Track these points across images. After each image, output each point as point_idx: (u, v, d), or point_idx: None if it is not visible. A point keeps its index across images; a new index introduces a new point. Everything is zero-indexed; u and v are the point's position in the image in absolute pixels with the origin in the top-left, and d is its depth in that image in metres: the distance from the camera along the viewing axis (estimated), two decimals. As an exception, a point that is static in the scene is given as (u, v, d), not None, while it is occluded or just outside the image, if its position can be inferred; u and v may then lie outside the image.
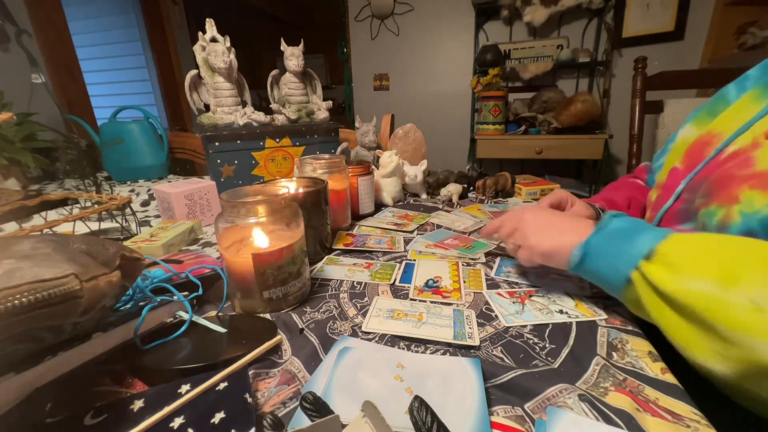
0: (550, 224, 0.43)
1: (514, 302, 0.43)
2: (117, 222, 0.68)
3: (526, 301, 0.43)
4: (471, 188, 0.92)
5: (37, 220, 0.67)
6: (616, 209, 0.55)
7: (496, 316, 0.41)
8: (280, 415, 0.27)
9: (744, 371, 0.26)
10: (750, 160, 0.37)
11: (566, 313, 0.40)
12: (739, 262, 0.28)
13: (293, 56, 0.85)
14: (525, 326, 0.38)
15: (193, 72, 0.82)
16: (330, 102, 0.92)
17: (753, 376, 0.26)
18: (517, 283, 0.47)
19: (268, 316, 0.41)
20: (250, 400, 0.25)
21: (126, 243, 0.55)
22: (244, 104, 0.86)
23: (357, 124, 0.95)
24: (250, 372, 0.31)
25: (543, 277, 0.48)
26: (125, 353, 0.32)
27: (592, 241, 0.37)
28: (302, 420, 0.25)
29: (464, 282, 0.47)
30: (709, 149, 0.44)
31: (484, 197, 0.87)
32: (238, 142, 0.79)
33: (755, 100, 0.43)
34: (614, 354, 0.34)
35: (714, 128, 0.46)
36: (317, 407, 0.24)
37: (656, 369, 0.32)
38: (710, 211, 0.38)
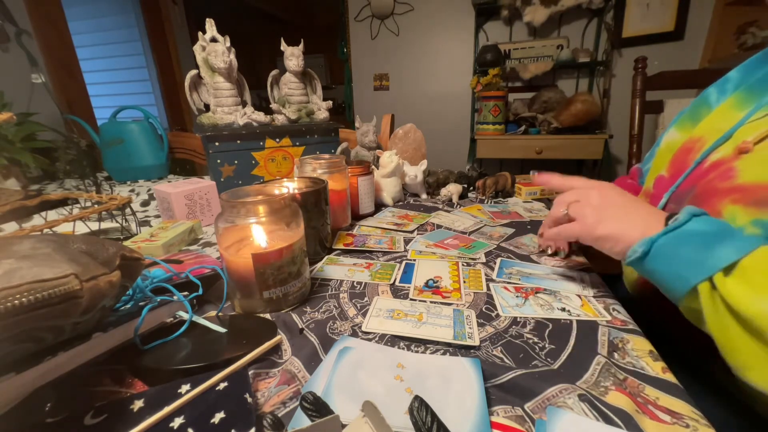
0: (618, 207, 0.38)
1: (517, 296, 0.44)
2: (117, 222, 0.68)
3: (530, 296, 0.44)
4: (471, 188, 0.92)
5: (37, 220, 0.67)
6: None
7: (496, 307, 0.42)
8: (280, 415, 0.27)
9: None
10: (731, 171, 0.36)
11: (568, 311, 0.40)
12: None
13: (293, 56, 0.85)
14: (525, 326, 0.38)
15: (193, 72, 0.82)
16: (330, 102, 0.92)
17: None
18: (518, 284, 0.47)
19: (268, 316, 0.41)
20: (250, 400, 0.25)
21: (126, 243, 0.55)
22: (244, 104, 0.86)
23: (357, 124, 0.95)
24: (250, 372, 0.31)
25: (544, 279, 0.48)
26: (125, 353, 0.32)
27: (660, 241, 0.33)
28: (302, 420, 0.25)
29: (464, 282, 0.47)
30: (691, 157, 0.44)
31: (484, 197, 0.87)
32: (238, 142, 0.79)
33: (737, 105, 0.42)
34: (615, 353, 0.34)
35: (696, 134, 0.46)
36: (317, 407, 0.24)
37: (657, 368, 0.32)
38: None
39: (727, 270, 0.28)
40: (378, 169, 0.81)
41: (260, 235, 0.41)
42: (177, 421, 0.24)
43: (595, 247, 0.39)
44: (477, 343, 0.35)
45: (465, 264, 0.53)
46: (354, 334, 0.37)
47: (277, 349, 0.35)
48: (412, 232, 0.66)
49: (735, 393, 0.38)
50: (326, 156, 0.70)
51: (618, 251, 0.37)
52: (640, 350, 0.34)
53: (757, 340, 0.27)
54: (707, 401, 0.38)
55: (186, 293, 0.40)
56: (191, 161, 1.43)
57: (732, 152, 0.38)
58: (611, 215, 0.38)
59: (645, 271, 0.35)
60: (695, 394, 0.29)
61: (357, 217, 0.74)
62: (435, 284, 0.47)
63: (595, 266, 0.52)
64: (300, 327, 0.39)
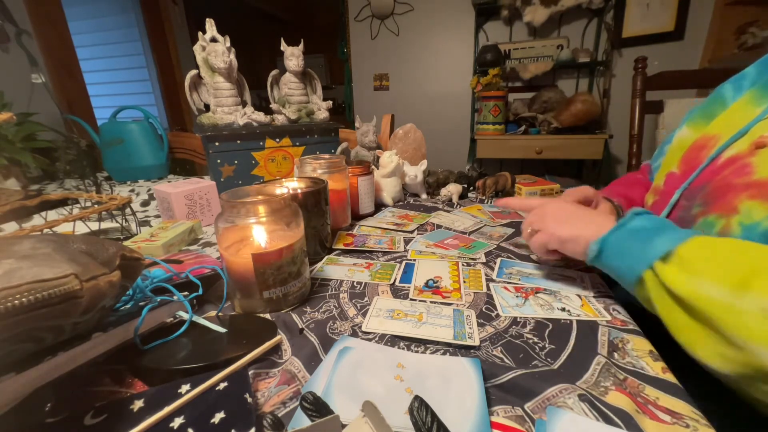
0: (573, 215, 0.44)
1: (517, 296, 0.44)
2: (117, 222, 0.68)
3: (530, 296, 0.44)
4: (471, 188, 0.92)
5: (37, 220, 0.67)
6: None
7: (496, 307, 0.42)
8: (280, 415, 0.27)
9: (744, 373, 0.28)
10: (748, 167, 0.36)
11: (568, 311, 0.40)
12: (755, 269, 0.28)
13: (293, 56, 0.85)
14: (525, 326, 0.38)
15: (193, 72, 0.82)
16: (330, 102, 0.92)
17: (751, 378, 0.28)
18: (518, 284, 0.47)
19: (268, 316, 0.41)
20: (250, 400, 0.25)
21: (126, 243, 0.55)
22: (244, 104, 0.86)
23: (357, 124, 0.95)
24: (250, 372, 0.31)
25: (543, 279, 0.48)
26: (125, 353, 0.32)
27: (610, 238, 0.37)
28: (302, 420, 0.25)
29: (464, 282, 0.47)
30: (705, 153, 0.43)
31: (484, 197, 0.87)
32: (238, 142, 0.79)
33: (753, 101, 0.42)
34: (615, 354, 0.34)
35: (710, 131, 0.45)
36: (317, 407, 0.24)
37: (657, 368, 0.32)
38: (709, 221, 0.37)
39: (665, 258, 0.32)
40: (378, 169, 0.81)
41: (260, 235, 0.41)
42: (177, 421, 0.24)
43: (563, 252, 0.43)
44: (477, 343, 0.35)
45: (465, 264, 0.53)
46: (354, 334, 0.37)
47: (277, 349, 0.35)
48: (412, 232, 0.66)
49: (737, 392, 0.38)
50: (326, 156, 0.70)
51: (580, 251, 0.41)
52: (640, 350, 0.34)
53: (695, 319, 0.30)
54: (708, 401, 0.39)
55: (186, 293, 0.40)
56: (191, 161, 1.43)
57: (748, 148, 0.37)
58: (568, 221, 0.43)
59: (603, 267, 0.39)
60: (696, 394, 0.29)
61: (357, 217, 0.74)
62: (435, 284, 0.47)
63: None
64: (300, 327, 0.39)
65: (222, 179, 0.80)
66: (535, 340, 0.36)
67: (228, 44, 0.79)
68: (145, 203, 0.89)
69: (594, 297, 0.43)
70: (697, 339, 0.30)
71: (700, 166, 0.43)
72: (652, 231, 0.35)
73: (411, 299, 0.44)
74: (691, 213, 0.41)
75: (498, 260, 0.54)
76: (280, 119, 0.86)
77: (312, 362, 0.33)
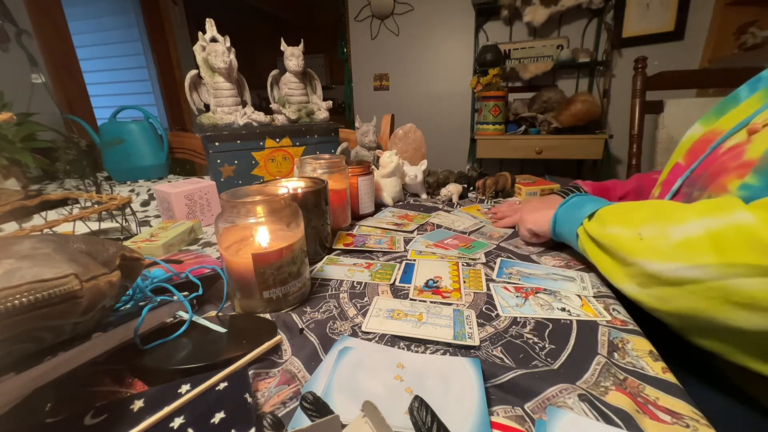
0: (538, 204, 0.60)
1: (517, 296, 0.44)
2: (117, 222, 0.68)
3: (530, 296, 0.44)
4: (471, 188, 0.92)
5: (37, 220, 0.67)
6: (603, 195, 0.67)
7: (496, 307, 0.42)
8: (280, 415, 0.27)
9: (643, 286, 0.37)
10: (743, 153, 0.37)
11: (568, 311, 0.40)
12: (643, 214, 0.39)
13: (293, 56, 0.85)
14: (525, 326, 0.38)
15: (193, 72, 0.82)
16: (330, 102, 0.92)
17: (653, 291, 0.36)
18: (518, 284, 0.47)
19: (268, 316, 0.41)
20: (250, 400, 0.25)
21: (126, 243, 0.55)
22: (244, 104, 0.86)
23: (357, 124, 0.95)
24: (250, 372, 0.31)
25: (543, 279, 0.48)
26: (125, 353, 0.32)
27: (558, 212, 0.53)
28: (302, 420, 0.25)
29: (464, 282, 0.47)
30: (709, 145, 0.45)
31: (484, 197, 0.87)
32: (238, 142, 0.79)
33: (762, 98, 0.43)
34: (615, 354, 0.34)
35: (718, 126, 0.46)
36: (317, 407, 0.24)
37: (657, 368, 0.32)
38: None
39: (590, 217, 0.46)
40: (378, 169, 0.81)
41: (260, 235, 0.41)
42: (177, 421, 0.24)
43: (538, 233, 0.57)
44: (477, 343, 0.35)
45: (465, 264, 0.53)
46: (354, 334, 0.37)
47: (277, 349, 0.35)
48: (412, 232, 0.66)
49: (741, 385, 0.38)
50: (326, 156, 0.70)
51: (545, 230, 0.55)
52: (640, 350, 0.34)
53: (605, 253, 0.42)
54: (711, 394, 0.39)
55: (186, 293, 0.40)
56: (191, 161, 1.43)
57: (746, 137, 0.39)
58: (535, 208, 0.58)
59: (559, 236, 0.53)
60: (698, 387, 0.30)
61: (357, 217, 0.74)
62: (435, 284, 0.47)
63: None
64: (300, 327, 0.39)
65: (222, 179, 0.80)
66: (535, 340, 0.36)
67: (228, 44, 0.79)
68: (145, 203, 0.89)
69: (594, 297, 0.43)
70: (611, 268, 0.41)
71: (702, 156, 0.45)
72: (583, 202, 0.50)
73: (411, 299, 0.44)
74: (691, 198, 0.43)
75: (498, 260, 0.54)
76: (280, 119, 0.86)
77: (312, 362, 0.33)
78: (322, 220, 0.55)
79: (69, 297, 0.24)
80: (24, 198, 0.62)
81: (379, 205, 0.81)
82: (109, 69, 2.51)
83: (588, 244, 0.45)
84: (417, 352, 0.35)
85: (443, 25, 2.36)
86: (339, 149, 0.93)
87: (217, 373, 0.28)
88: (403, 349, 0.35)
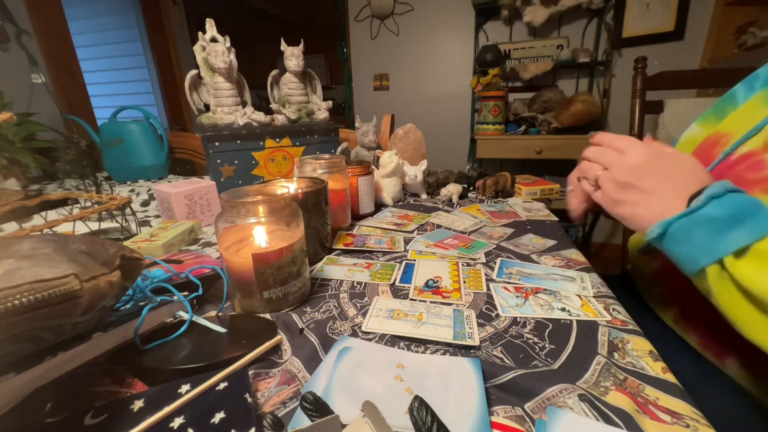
0: (642, 188, 0.37)
1: (517, 296, 0.44)
2: (117, 222, 0.68)
3: (530, 296, 0.44)
4: (471, 188, 0.92)
5: (37, 220, 0.67)
6: None
7: (496, 307, 0.42)
8: (280, 415, 0.27)
9: None
10: (762, 163, 0.36)
11: (568, 311, 0.40)
12: None
13: (293, 56, 0.85)
14: (525, 326, 0.38)
15: (193, 72, 0.82)
16: (330, 102, 0.92)
17: None
18: (518, 284, 0.47)
19: (268, 316, 0.41)
20: (250, 400, 0.25)
21: (126, 243, 0.55)
22: (244, 104, 0.86)
23: (357, 124, 0.95)
24: (250, 372, 0.31)
25: (543, 279, 0.48)
26: (125, 353, 0.32)
27: (675, 224, 0.33)
28: (302, 420, 0.25)
29: (464, 282, 0.47)
30: (717, 150, 0.43)
31: (484, 197, 0.87)
32: (238, 142, 0.79)
33: (766, 100, 0.42)
34: (615, 354, 0.34)
35: (722, 129, 0.45)
36: (317, 407, 0.24)
37: (657, 368, 0.32)
38: None
39: (739, 253, 0.30)
40: (378, 169, 0.81)
41: (260, 235, 0.41)
42: (177, 421, 0.24)
43: (617, 217, 0.40)
44: (477, 343, 0.35)
45: (465, 264, 0.53)
46: (354, 334, 0.37)
47: (277, 349, 0.35)
48: (412, 232, 0.66)
49: (748, 389, 0.38)
50: (326, 156, 0.70)
51: (635, 228, 0.38)
52: (640, 350, 0.34)
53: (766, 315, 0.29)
54: (718, 399, 0.38)
55: (186, 293, 0.40)
56: (191, 161, 1.43)
57: (762, 145, 0.38)
58: (631, 198, 0.37)
59: (662, 248, 0.36)
60: (698, 387, 0.29)
61: (357, 217, 0.74)
62: (435, 284, 0.47)
63: (595, 266, 0.52)
64: (300, 327, 0.39)
65: (222, 179, 0.80)
66: (535, 340, 0.36)
67: (228, 44, 0.79)
68: (145, 203, 0.89)
69: (594, 297, 0.43)
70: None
71: (713, 162, 0.43)
72: (728, 221, 0.31)
73: (411, 299, 0.44)
74: None
75: (498, 260, 0.54)
76: (280, 119, 0.86)
77: (312, 362, 0.33)
78: (322, 220, 0.55)
79: (69, 297, 0.24)
80: (24, 198, 0.62)
81: (379, 205, 0.81)
82: (109, 69, 2.50)
83: (727, 294, 0.31)
84: (417, 352, 0.35)
85: (443, 25, 2.36)
86: (339, 149, 0.93)
87: (217, 373, 0.28)
88: (403, 349, 0.35)
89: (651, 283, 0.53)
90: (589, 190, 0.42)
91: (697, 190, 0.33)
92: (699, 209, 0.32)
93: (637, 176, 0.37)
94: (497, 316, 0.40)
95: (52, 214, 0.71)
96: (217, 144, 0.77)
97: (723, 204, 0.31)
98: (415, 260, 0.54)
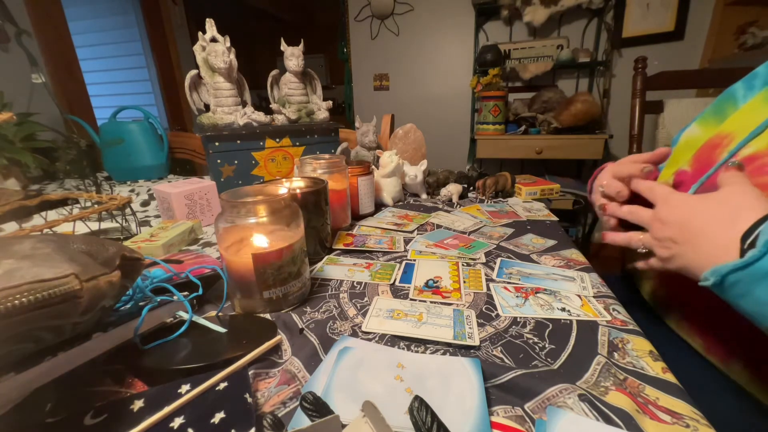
0: (689, 239, 0.33)
1: (517, 296, 0.44)
2: (117, 222, 0.68)
3: (530, 296, 0.44)
4: (471, 188, 0.92)
5: (37, 220, 0.67)
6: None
7: (496, 307, 0.42)
8: (280, 415, 0.27)
9: None
10: (767, 167, 0.35)
11: (568, 311, 0.40)
12: None
13: (293, 56, 0.85)
14: (525, 326, 0.38)
15: (193, 72, 0.82)
16: (330, 102, 0.92)
17: None
18: (518, 284, 0.47)
19: (268, 316, 0.40)
20: (250, 400, 0.25)
21: (126, 243, 0.55)
22: (244, 104, 0.86)
23: (357, 124, 0.95)
24: (250, 372, 0.31)
25: (543, 279, 0.48)
26: (125, 353, 0.32)
27: (731, 277, 0.28)
28: (302, 420, 0.25)
29: (464, 282, 0.47)
30: (719, 151, 0.43)
31: (484, 197, 0.87)
32: (238, 142, 0.79)
33: (767, 100, 0.42)
34: (615, 353, 0.34)
35: (723, 130, 0.44)
36: (317, 407, 0.24)
37: (657, 368, 0.32)
38: None
39: None
40: (378, 169, 0.81)
41: (260, 235, 0.41)
42: (177, 421, 0.24)
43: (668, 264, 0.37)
44: (477, 343, 0.35)
45: (465, 264, 0.53)
46: (354, 334, 0.37)
47: (277, 349, 0.35)
48: (412, 232, 0.66)
49: (752, 392, 0.38)
50: (326, 156, 0.70)
51: (695, 279, 0.33)
52: (640, 350, 0.34)
53: None
54: (719, 399, 0.38)
55: (186, 293, 0.40)
56: (191, 161, 1.43)
57: (766, 147, 0.37)
58: (681, 252, 0.34)
59: (725, 299, 0.31)
60: (698, 387, 0.29)
61: (357, 217, 0.74)
62: (435, 284, 0.47)
63: (595, 266, 0.52)
64: (300, 327, 0.39)
65: (222, 179, 0.80)
66: (535, 340, 0.36)
67: (228, 44, 0.79)
68: (145, 203, 0.89)
69: (594, 297, 0.43)
70: None
71: (715, 164, 0.42)
72: None
73: (411, 299, 0.44)
74: None
75: (498, 260, 0.54)
76: (280, 119, 0.86)
77: (312, 362, 0.33)
78: (322, 220, 0.55)
79: (69, 297, 0.24)
80: (24, 198, 0.62)
81: (379, 205, 0.81)
82: (109, 69, 2.50)
83: None
84: (417, 352, 0.35)
85: (443, 25, 2.36)
86: (339, 149, 0.93)
87: (217, 373, 0.28)
88: (403, 349, 0.35)
89: (653, 285, 0.53)
90: (642, 251, 0.39)
91: (750, 226, 0.29)
92: (758, 260, 0.27)
93: (683, 231, 0.34)
94: (497, 316, 0.40)
95: (52, 214, 0.71)
96: (217, 144, 0.77)
97: None
98: (415, 260, 0.54)
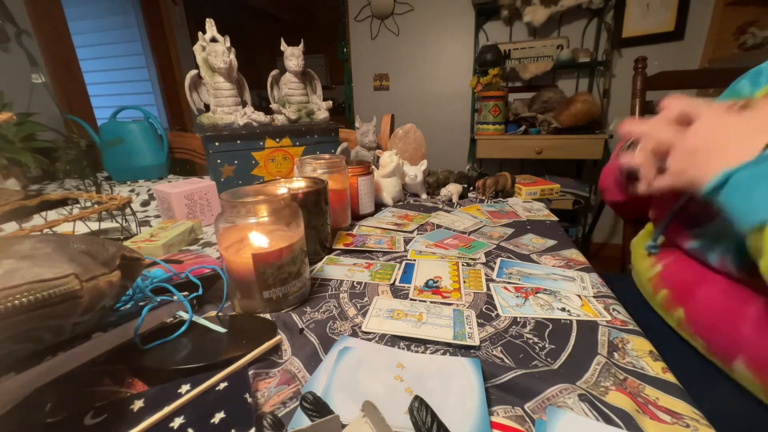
0: (709, 149, 0.33)
1: (517, 296, 0.44)
2: (117, 222, 0.68)
3: (530, 296, 0.44)
4: (471, 188, 0.92)
5: (37, 220, 0.67)
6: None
7: (496, 307, 0.42)
8: (280, 415, 0.27)
9: None
10: None
11: (568, 311, 0.40)
12: None
13: (293, 56, 0.85)
14: (525, 326, 0.38)
15: (193, 72, 0.81)
16: (330, 102, 0.92)
17: None
18: (518, 284, 0.47)
19: (268, 316, 0.41)
20: (250, 400, 0.25)
21: (126, 243, 0.55)
22: (244, 104, 0.86)
23: (357, 124, 0.95)
24: (250, 372, 0.31)
25: (543, 279, 0.48)
26: (125, 353, 0.32)
27: (740, 173, 0.29)
28: (302, 420, 0.25)
29: (464, 282, 0.47)
30: None
31: (484, 197, 0.87)
32: (238, 142, 0.79)
33: None
34: (615, 353, 0.34)
35: None
36: (317, 407, 0.24)
37: (657, 368, 0.32)
38: None
39: None
40: (378, 169, 0.81)
41: (260, 235, 0.41)
42: (177, 421, 0.24)
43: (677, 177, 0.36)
44: (477, 343, 0.35)
45: (465, 264, 0.53)
46: (354, 334, 0.37)
47: (277, 349, 0.35)
48: (412, 232, 0.66)
49: (754, 393, 0.38)
50: (326, 156, 0.70)
51: (695, 173, 0.33)
52: (640, 350, 0.34)
53: None
54: (720, 400, 0.38)
55: (186, 293, 0.40)
56: (191, 161, 1.43)
57: None
58: (699, 162, 0.33)
59: (717, 201, 0.32)
60: (698, 387, 0.29)
61: (357, 217, 0.74)
62: (435, 284, 0.47)
63: (595, 266, 0.52)
64: (300, 327, 0.39)
65: (222, 179, 0.80)
66: (535, 340, 0.36)
67: (228, 44, 0.79)
68: (145, 203, 0.89)
69: (594, 297, 0.43)
70: None
71: None
72: None
73: (411, 299, 0.44)
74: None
75: (498, 260, 0.54)
76: (280, 119, 0.86)
77: (312, 362, 0.33)
78: (322, 220, 0.55)
79: (69, 297, 0.24)
80: (24, 198, 0.62)
81: (379, 205, 0.81)
82: (109, 69, 2.50)
83: None
84: (417, 352, 0.35)
85: (443, 25, 2.36)
86: (339, 149, 0.93)
87: (217, 373, 0.28)
88: (403, 349, 0.35)
89: (655, 285, 0.53)
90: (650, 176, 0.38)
91: None
92: None
93: (704, 141, 0.33)
94: (497, 316, 0.40)
95: (52, 214, 0.71)
96: (217, 144, 0.77)
97: None
98: (415, 260, 0.54)
